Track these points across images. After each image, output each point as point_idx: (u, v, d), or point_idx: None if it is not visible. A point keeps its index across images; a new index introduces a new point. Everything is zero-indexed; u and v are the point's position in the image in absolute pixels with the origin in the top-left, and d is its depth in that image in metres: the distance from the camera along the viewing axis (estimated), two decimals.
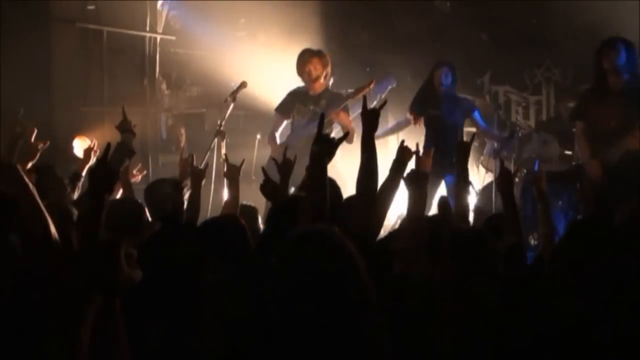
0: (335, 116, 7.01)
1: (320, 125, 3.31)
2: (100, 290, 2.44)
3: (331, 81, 7.47)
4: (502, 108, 9.48)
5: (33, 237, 2.93)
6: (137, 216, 4.23)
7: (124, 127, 4.92)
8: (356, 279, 2.36)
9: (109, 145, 2.88)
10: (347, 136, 3.68)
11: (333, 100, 7.20)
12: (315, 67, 7.28)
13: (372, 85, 7.16)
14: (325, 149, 3.27)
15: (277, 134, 7.47)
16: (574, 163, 7.81)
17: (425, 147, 5.78)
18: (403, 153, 4.16)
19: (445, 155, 6.11)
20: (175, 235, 3.55)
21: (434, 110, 7.12)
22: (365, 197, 3.55)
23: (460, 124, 7.17)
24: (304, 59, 7.26)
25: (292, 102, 7.39)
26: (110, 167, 2.64)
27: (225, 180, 5.57)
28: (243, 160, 5.14)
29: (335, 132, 7.12)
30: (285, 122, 7.46)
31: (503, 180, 4.25)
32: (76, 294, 2.44)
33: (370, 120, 3.68)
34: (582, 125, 6.57)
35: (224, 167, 6.25)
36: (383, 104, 4.05)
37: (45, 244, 2.92)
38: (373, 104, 7.45)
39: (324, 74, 7.30)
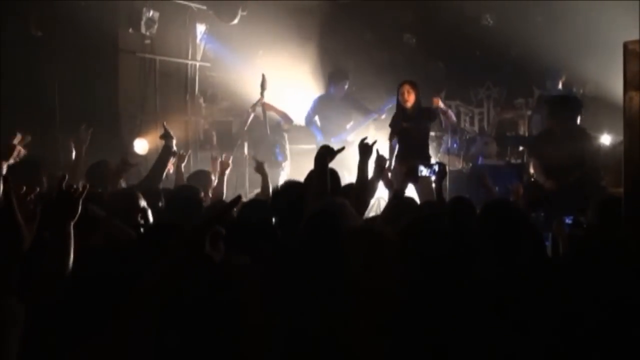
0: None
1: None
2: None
3: None
4: None
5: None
6: (198, 200, 4.59)
7: (166, 135, 5.72)
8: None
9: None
10: (343, 149, 3.64)
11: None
12: None
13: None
14: (329, 154, 3.45)
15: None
16: (507, 159, 8.59)
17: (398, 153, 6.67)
18: (379, 159, 4.46)
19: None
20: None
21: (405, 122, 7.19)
22: (358, 199, 3.80)
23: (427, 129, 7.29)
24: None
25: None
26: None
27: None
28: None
29: (353, 136, 7.90)
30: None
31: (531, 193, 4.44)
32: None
33: (366, 151, 3.99)
34: (535, 160, 7.00)
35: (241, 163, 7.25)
36: (374, 142, 4.15)
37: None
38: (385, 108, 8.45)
39: None
